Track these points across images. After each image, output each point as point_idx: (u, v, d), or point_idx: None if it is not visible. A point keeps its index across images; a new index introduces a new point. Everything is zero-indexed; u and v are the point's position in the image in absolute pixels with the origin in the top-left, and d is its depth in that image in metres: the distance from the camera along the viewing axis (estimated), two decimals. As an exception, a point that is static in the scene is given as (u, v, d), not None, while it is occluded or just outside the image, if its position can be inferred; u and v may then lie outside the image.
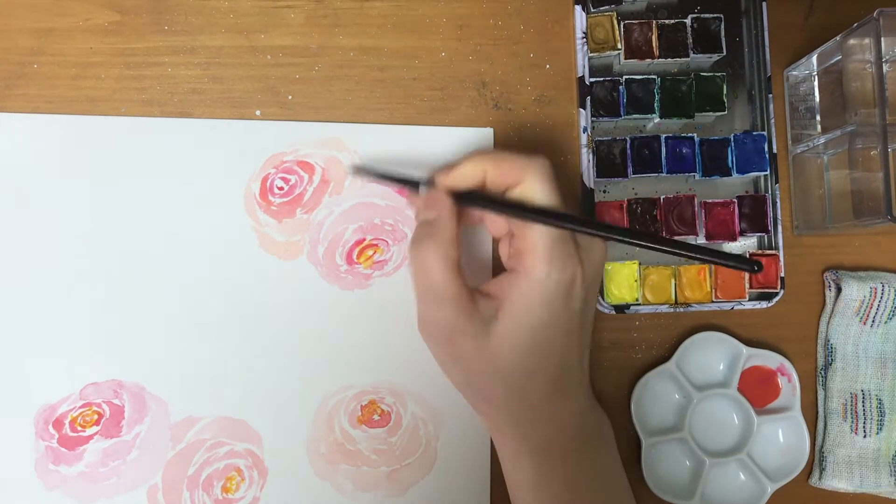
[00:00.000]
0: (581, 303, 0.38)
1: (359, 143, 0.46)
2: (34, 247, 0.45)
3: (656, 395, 0.46)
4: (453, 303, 0.37)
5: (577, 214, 0.36)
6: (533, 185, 0.38)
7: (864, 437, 0.47)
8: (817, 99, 0.47)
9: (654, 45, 0.47)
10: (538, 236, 0.37)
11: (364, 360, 0.45)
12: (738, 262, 0.36)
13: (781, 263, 0.47)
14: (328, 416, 0.45)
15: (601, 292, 0.46)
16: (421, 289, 0.38)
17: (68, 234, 0.45)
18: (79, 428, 0.44)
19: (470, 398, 0.41)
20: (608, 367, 0.47)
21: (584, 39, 0.47)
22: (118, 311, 0.45)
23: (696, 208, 0.46)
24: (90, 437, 0.44)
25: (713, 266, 0.46)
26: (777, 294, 0.47)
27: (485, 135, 0.47)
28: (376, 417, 0.46)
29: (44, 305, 0.44)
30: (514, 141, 0.47)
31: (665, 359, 0.46)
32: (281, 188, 0.46)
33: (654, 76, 0.46)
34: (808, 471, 0.47)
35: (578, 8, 0.47)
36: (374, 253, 0.46)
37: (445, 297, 0.37)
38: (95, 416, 0.44)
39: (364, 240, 0.46)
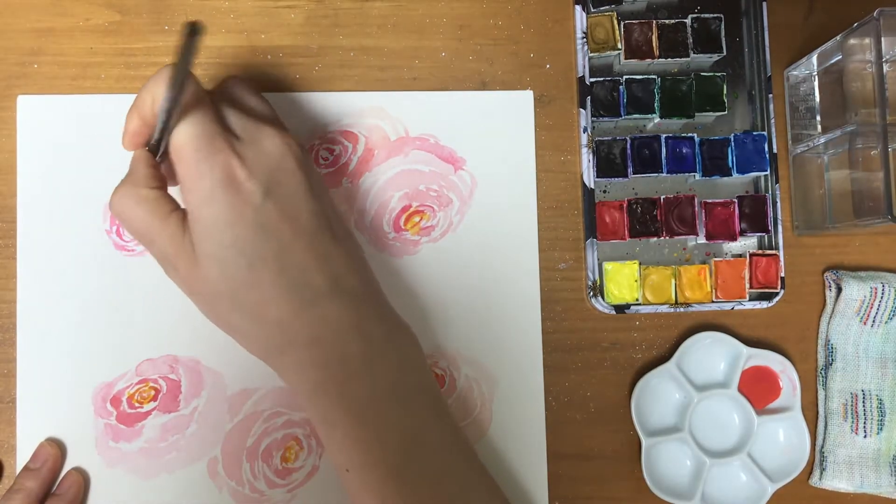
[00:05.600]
0: (260, 194, 0.36)
1: (401, 110, 0.47)
2: (84, 227, 0.45)
3: (656, 395, 0.46)
4: (160, 234, 0.36)
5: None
6: (157, 90, 0.36)
7: (865, 437, 0.47)
8: (817, 99, 0.47)
9: (654, 45, 0.47)
10: (179, 140, 0.36)
11: (415, 325, 0.45)
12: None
13: (781, 263, 0.47)
14: None
15: (601, 292, 0.46)
16: (135, 234, 0.37)
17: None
18: (136, 404, 0.44)
19: (226, 332, 0.39)
20: (608, 367, 0.47)
21: (585, 39, 0.47)
22: (170, 287, 0.44)
23: (697, 208, 0.46)
24: (148, 412, 0.44)
25: (713, 266, 0.46)
26: (777, 294, 0.47)
27: (524, 97, 0.47)
28: None
29: (96, 284, 0.45)
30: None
31: (665, 359, 0.46)
32: (326, 159, 0.46)
33: (654, 76, 0.46)
34: (808, 471, 0.47)
35: (578, 8, 0.47)
36: (421, 219, 0.46)
37: (152, 232, 0.36)
38: (152, 392, 0.45)
39: (410, 206, 0.46)
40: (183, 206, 0.37)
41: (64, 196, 0.45)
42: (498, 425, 0.46)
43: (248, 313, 0.37)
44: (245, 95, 0.40)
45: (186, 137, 0.35)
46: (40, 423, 0.44)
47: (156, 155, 0.38)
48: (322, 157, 0.46)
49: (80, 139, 0.45)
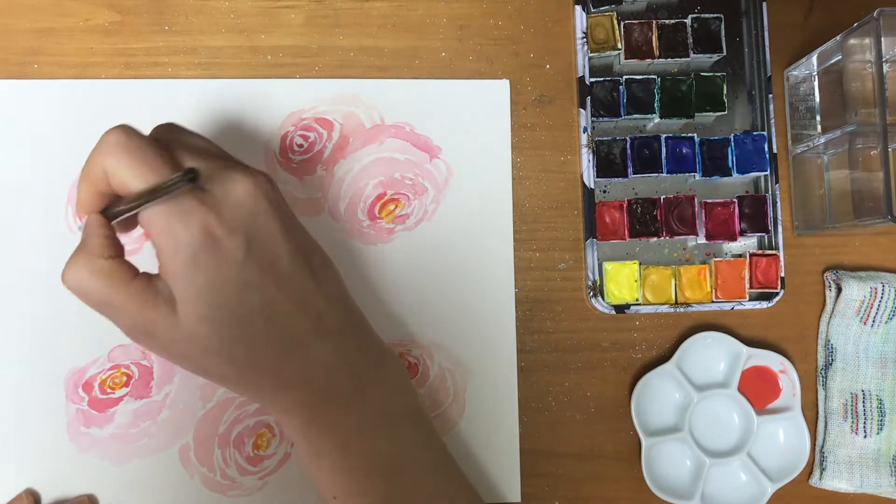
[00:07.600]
0: (242, 250, 0.34)
1: (376, 98, 0.47)
2: (54, 212, 0.45)
3: (656, 395, 0.46)
4: (126, 303, 0.34)
5: (151, 187, 0.33)
6: (114, 172, 0.33)
7: (865, 437, 0.47)
8: (817, 99, 0.47)
9: (654, 45, 0.47)
10: (147, 210, 0.33)
11: (389, 313, 0.45)
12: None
13: (781, 263, 0.47)
14: None
15: (601, 292, 0.46)
16: (95, 307, 0.35)
17: None
18: (108, 390, 0.44)
19: (215, 382, 0.38)
20: (608, 367, 0.47)
21: (585, 39, 0.47)
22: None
23: (697, 208, 0.46)
24: (120, 398, 0.44)
25: (713, 266, 0.46)
26: (777, 294, 0.47)
27: (500, 87, 0.47)
28: None
29: None
30: (513, 141, 0.47)
31: (665, 359, 0.46)
32: (300, 146, 0.46)
33: (654, 76, 0.46)
34: (808, 471, 0.47)
35: (578, 8, 0.47)
36: (396, 207, 0.46)
37: (116, 302, 0.34)
38: (124, 378, 0.45)
39: (385, 194, 0.46)
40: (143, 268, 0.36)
41: (32, 181, 0.45)
42: (471, 415, 0.46)
43: (240, 365, 0.36)
44: (189, 137, 0.37)
45: (155, 206, 0.34)
46: (11, 409, 0.44)
47: (111, 220, 0.36)
48: (297, 143, 0.46)
49: (42, 125, 0.45)
